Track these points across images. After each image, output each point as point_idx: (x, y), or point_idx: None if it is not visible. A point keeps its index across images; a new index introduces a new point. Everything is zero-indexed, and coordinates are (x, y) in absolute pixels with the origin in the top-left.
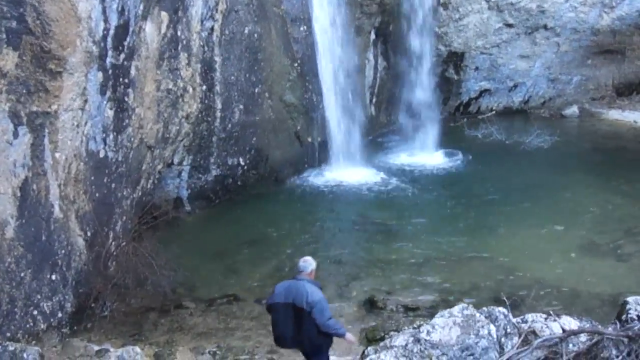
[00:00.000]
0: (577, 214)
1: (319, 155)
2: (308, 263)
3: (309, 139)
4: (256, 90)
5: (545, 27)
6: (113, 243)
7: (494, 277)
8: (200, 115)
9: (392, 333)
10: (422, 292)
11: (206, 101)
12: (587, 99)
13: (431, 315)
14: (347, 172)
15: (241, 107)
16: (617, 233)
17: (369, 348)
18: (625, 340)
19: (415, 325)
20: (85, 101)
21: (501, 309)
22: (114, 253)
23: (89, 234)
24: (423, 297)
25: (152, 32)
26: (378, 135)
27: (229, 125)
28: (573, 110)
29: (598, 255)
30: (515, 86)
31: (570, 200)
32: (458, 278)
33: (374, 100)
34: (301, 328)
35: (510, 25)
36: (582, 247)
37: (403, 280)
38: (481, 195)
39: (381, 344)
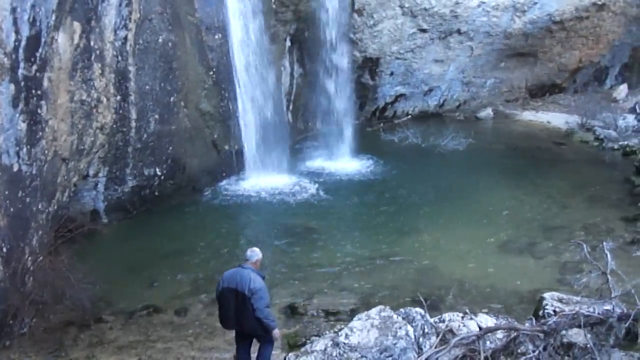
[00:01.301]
0: (494, 213)
1: (237, 163)
2: (255, 253)
3: (226, 147)
4: (171, 99)
5: (458, 31)
6: (29, 258)
7: (413, 278)
8: (115, 126)
9: (313, 338)
10: (342, 296)
11: (121, 111)
12: (502, 101)
13: (351, 319)
14: (265, 179)
15: (157, 116)
16: (533, 231)
17: (289, 354)
18: (541, 335)
19: (335, 330)
20: None
21: (418, 309)
22: (31, 268)
23: (4, 249)
24: (343, 301)
25: (64, 43)
26: (296, 141)
27: (145, 135)
28: (487, 112)
29: (515, 253)
30: (430, 90)
31: (487, 200)
32: (378, 281)
33: (290, 107)
34: (243, 312)
35: (424, 30)
36: (500, 246)
37: (323, 286)
38: (400, 199)
39: (302, 349)
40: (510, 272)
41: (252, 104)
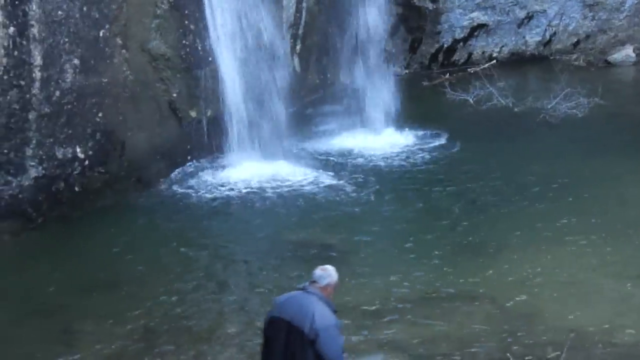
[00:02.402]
0: (636, 225)
1: (210, 139)
2: (327, 273)
3: (193, 114)
4: (101, 33)
5: None
6: None
7: (498, 328)
8: (5, 78)
9: None
10: (384, 358)
11: (15, 53)
12: None
13: None
14: (255, 166)
15: (76, 62)
16: None
17: None
18: None
19: None
20: None
21: None
22: None
23: None
24: None
25: None
26: (306, 103)
27: (57, 94)
28: (626, 53)
29: None
30: (530, 18)
31: (626, 201)
32: (438, 333)
33: (298, 47)
34: (295, 358)
35: None
36: None
37: (351, 341)
38: (475, 199)
39: None
40: None
41: (235, 43)
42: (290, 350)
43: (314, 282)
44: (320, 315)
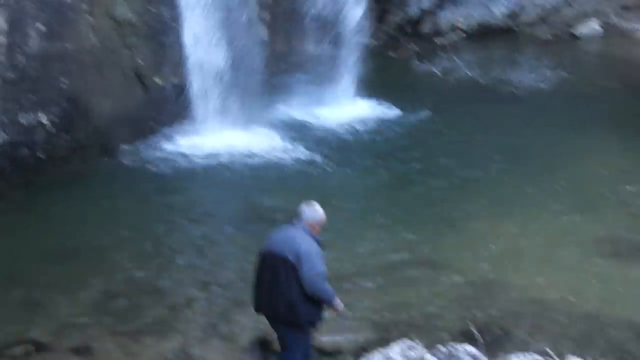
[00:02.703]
0: (599, 196)
1: (177, 107)
2: (312, 210)
3: (158, 81)
4: None
5: None
6: None
7: (462, 297)
8: None
9: None
10: (346, 324)
11: None
12: (616, 8)
13: None
14: (222, 134)
15: (41, 27)
16: None
17: None
18: None
19: None
20: None
21: (469, 347)
22: None
23: None
24: (348, 333)
25: None
26: (274, 72)
27: (21, 59)
28: (592, 26)
29: (632, 260)
30: None
31: (588, 174)
32: (403, 301)
33: (265, 16)
34: (278, 285)
35: None
36: (607, 248)
37: None
38: (442, 170)
39: None
40: (623, 291)
41: (202, 10)
42: (277, 280)
43: (300, 218)
44: (303, 243)
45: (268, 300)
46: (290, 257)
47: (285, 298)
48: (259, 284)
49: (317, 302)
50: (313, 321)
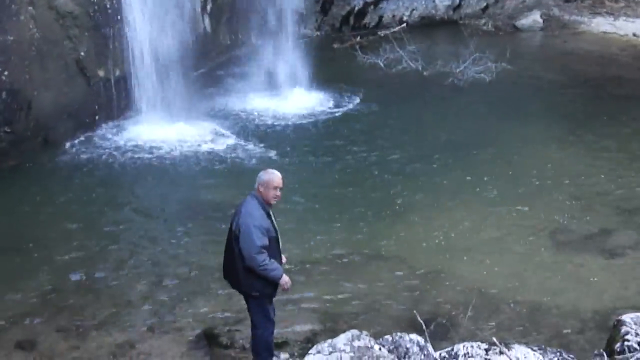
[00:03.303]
0: (542, 184)
1: (118, 99)
2: (263, 173)
3: (101, 73)
4: None
5: None
6: None
7: (407, 287)
8: None
9: None
10: (292, 316)
11: None
12: (557, 1)
13: (304, 353)
14: (164, 127)
15: None
16: (604, 213)
17: None
18: None
19: None
20: None
21: (415, 336)
22: None
23: None
24: (295, 324)
25: None
26: (217, 64)
27: None
28: (533, 19)
29: (575, 248)
30: None
31: (531, 163)
32: (350, 292)
33: (208, 7)
34: (229, 258)
35: None
36: (550, 235)
37: None
38: (386, 161)
39: None
40: (567, 279)
41: (143, 1)
42: (229, 250)
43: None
44: (245, 214)
45: (226, 269)
46: (234, 229)
47: (235, 268)
48: (224, 254)
49: (259, 275)
50: (260, 292)
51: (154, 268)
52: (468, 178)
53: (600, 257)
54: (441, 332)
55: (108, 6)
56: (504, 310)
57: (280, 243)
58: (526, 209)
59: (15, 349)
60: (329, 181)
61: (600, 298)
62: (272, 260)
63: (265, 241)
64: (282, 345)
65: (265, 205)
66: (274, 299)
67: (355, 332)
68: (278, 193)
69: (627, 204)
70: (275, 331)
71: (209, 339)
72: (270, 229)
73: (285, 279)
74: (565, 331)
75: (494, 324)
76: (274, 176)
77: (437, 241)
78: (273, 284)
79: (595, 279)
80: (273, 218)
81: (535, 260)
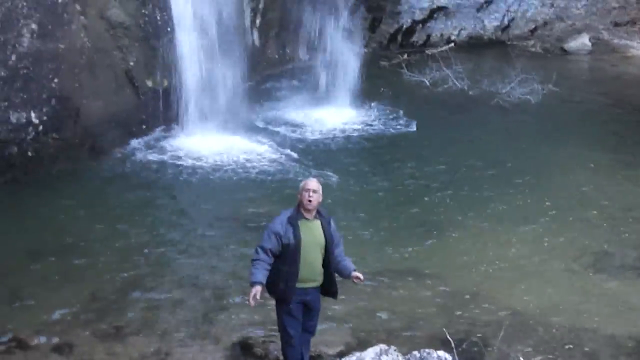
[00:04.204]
0: (582, 209)
1: (166, 110)
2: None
3: (150, 84)
4: None
5: None
6: None
7: (440, 305)
8: None
9: None
10: (325, 330)
11: None
12: (607, 24)
13: None
14: (211, 138)
15: (33, 26)
16: None
17: None
18: None
19: None
20: None
21: (443, 354)
22: None
23: None
24: (326, 337)
25: None
26: (265, 78)
27: (12, 57)
28: (582, 42)
29: (613, 273)
30: (489, 2)
31: (573, 188)
32: (382, 308)
33: (258, 21)
34: None
35: None
36: (588, 260)
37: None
38: (427, 178)
39: None
40: (603, 304)
41: (195, 14)
42: None
43: None
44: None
45: None
46: None
47: None
48: None
49: (271, 276)
50: (270, 291)
51: (192, 276)
52: (509, 199)
53: (637, 281)
54: (473, 352)
55: (158, 18)
56: (537, 333)
57: (310, 254)
58: (565, 232)
59: (51, 352)
60: (369, 197)
61: (635, 324)
62: (261, 263)
63: (270, 244)
64: (315, 358)
65: (302, 213)
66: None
67: (383, 346)
68: (311, 195)
69: None
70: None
71: (243, 349)
72: (289, 236)
73: (252, 290)
74: (599, 356)
75: (526, 346)
76: (308, 180)
77: (473, 261)
78: (281, 285)
79: (632, 304)
80: (305, 228)
81: (571, 283)
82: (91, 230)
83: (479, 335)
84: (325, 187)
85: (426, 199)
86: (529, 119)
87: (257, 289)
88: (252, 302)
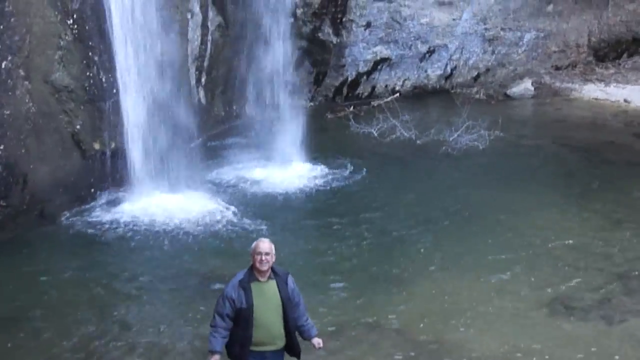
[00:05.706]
0: (541, 251)
1: (114, 172)
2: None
3: (97, 146)
4: (3, 65)
5: None
6: None
7: (400, 357)
8: None
9: None
10: None
11: None
12: (548, 69)
13: None
14: (159, 199)
15: None
16: (606, 280)
17: None
18: None
19: None
20: None
21: None
22: None
23: None
24: None
25: None
26: (212, 136)
27: None
28: (525, 87)
29: (578, 316)
30: (432, 52)
31: (528, 230)
32: None
33: (203, 79)
34: None
35: None
36: (550, 304)
37: None
38: (380, 230)
39: None
40: (566, 346)
41: (139, 75)
42: None
43: None
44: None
45: None
46: None
47: None
48: None
49: (230, 339)
50: (229, 355)
51: (151, 342)
52: (465, 246)
53: (604, 323)
54: None
55: (104, 80)
56: None
57: (266, 318)
58: (521, 275)
59: None
60: (324, 251)
61: None
62: (218, 330)
63: (225, 310)
64: None
65: (255, 275)
66: None
67: None
68: (263, 258)
69: (623, 269)
70: None
71: None
72: (242, 300)
73: (211, 359)
74: None
75: None
76: (260, 242)
77: (432, 310)
78: (236, 348)
79: (599, 347)
80: (259, 291)
81: (536, 328)
82: (41, 299)
83: None
84: (277, 243)
85: (381, 248)
86: (478, 165)
87: (216, 358)
88: None
